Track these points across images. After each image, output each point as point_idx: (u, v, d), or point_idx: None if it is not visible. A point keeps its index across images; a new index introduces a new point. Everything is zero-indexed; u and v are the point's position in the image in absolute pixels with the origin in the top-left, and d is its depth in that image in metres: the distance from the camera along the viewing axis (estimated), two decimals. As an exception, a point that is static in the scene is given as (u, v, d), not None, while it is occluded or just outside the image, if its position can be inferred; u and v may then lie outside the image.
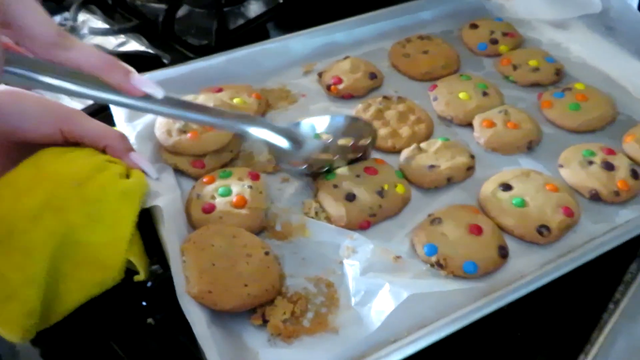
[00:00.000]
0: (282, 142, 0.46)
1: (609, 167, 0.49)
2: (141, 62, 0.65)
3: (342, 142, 0.49)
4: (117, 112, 0.52)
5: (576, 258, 0.42)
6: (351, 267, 0.42)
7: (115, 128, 0.48)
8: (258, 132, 0.44)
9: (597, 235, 0.45)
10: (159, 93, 0.39)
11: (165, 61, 0.67)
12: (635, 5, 0.59)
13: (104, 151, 0.44)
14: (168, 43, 0.70)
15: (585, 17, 0.63)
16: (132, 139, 0.48)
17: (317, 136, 0.50)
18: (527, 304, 0.43)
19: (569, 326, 0.42)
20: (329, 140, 0.49)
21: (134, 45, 0.70)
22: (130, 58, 0.67)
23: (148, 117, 0.52)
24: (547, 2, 0.66)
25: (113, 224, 0.39)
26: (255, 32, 0.73)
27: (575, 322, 0.42)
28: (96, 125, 0.44)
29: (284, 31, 0.65)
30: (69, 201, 0.38)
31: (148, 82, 0.38)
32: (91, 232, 0.38)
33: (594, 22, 0.62)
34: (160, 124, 0.50)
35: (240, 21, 0.75)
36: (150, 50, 0.69)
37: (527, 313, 0.43)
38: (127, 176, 0.42)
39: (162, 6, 0.73)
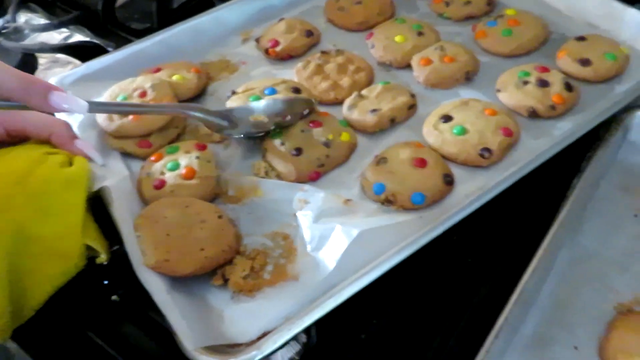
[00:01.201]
0: (219, 122, 0.48)
1: (543, 84, 0.50)
2: (86, 53, 0.65)
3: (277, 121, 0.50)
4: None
5: (516, 172, 0.43)
6: (305, 217, 0.43)
7: (58, 117, 0.48)
8: (195, 115, 0.46)
9: (540, 150, 0.46)
10: (80, 108, 0.40)
11: (110, 49, 0.66)
12: None
13: (49, 141, 0.44)
14: (111, 31, 0.70)
15: (509, -57, 0.63)
16: (75, 129, 0.49)
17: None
18: (476, 230, 0.45)
19: (517, 245, 0.44)
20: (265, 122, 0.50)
21: (78, 37, 0.70)
22: (76, 50, 0.67)
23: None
24: None
25: (62, 213, 0.40)
26: (200, 5, 0.71)
27: (524, 241, 0.43)
28: (38, 116, 0.44)
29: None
30: (12, 199, 0.38)
31: (68, 98, 0.39)
32: (42, 225, 0.39)
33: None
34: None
35: (183, -2, 0.75)
36: (94, 40, 0.69)
37: (476, 239, 0.45)
38: (71, 164, 0.43)
39: (102, -6, 0.72)
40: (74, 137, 0.46)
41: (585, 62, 0.52)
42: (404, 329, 0.42)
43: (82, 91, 0.54)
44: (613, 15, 0.57)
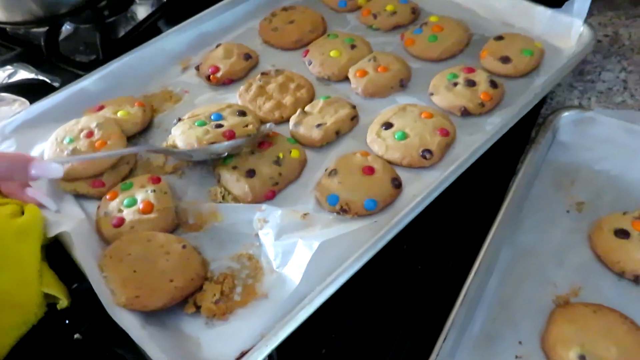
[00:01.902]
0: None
1: (471, 83, 0.54)
2: (31, 90, 0.64)
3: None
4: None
5: (457, 168, 0.46)
6: (266, 236, 0.45)
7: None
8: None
9: (475, 145, 0.50)
10: (57, 172, 0.43)
11: (55, 84, 0.66)
12: None
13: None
14: (56, 65, 0.69)
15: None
16: (24, 177, 0.48)
17: None
18: (424, 236, 0.48)
19: (462, 248, 0.46)
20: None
21: (23, 74, 0.69)
22: (20, 88, 0.66)
23: (34, 152, 0.52)
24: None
25: (17, 264, 0.40)
26: (146, 33, 0.72)
27: (468, 243, 0.46)
28: None
29: (175, 25, 0.65)
30: None
31: (44, 166, 0.42)
32: None
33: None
34: (49, 156, 0.50)
35: (130, 27, 0.75)
36: (39, 77, 0.68)
37: (424, 246, 0.48)
38: (22, 213, 0.43)
39: (44, 29, 0.71)
40: (25, 185, 0.45)
41: (505, 60, 0.57)
42: (362, 340, 0.44)
43: (25, 137, 0.54)
44: (524, 13, 0.62)
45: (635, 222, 0.45)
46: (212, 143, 0.49)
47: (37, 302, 0.39)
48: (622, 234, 0.44)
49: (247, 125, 0.51)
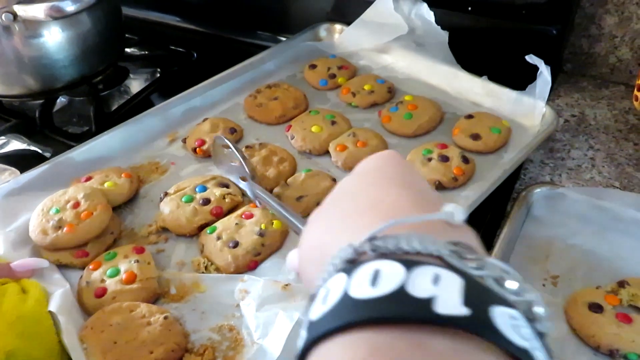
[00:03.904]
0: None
1: (444, 159, 0.58)
2: (22, 161, 0.66)
3: None
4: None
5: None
6: (248, 307, 0.46)
7: None
8: None
9: (449, 218, 0.52)
10: (42, 263, 0.47)
11: (47, 155, 0.68)
12: (433, 20, 0.71)
13: None
14: (49, 136, 0.71)
15: (399, 39, 0.73)
16: (6, 248, 0.49)
17: None
18: None
19: None
20: None
21: (15, 145, 0.71)
22: (11, 158, 0.67)
23: (19, 222, 0.52)
24: (366, 33, 0.76)
25: (42, 334, 0.41)
26: (139, 107, 0.75)
27: None
28: None
29: (167, 99, 0.69)
30: None
31: (27, 262, 0.47)
32: (30, 348, 0.40)
33: (406, 42, 0.73)
34: (34, 225, 0.51)
35: (123, 100, 0.78)
36: (31, 147, 0.70)
37: None
38: (23, 290, 0.43)
39: (39, 101, 0.74)
40: (7, 264, 0.46)
41: (476, 137, 0.61)
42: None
43: (11, 206, 0.54)
44: (492, 94, 0.67)
45: (608, 297, 0.46)
46: (203, 225, 0.53)
47: None
48: (596, 308, 0.45)
49: (224, 197, 0.54)
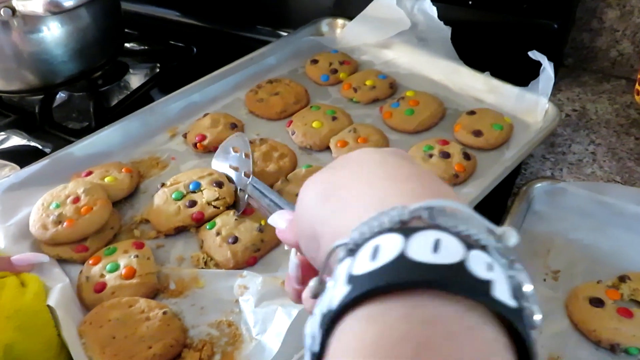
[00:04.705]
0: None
1: (445, 155, 0.57)
2: (22, 157, 0.65)
3: None
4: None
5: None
6: (246, 303, 0.46)
7: None
8: None
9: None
10: (42, 258, 0.47)
11: (47, 150, 0.68)
12: (436, 15, 0.70)
13: None
14: (48, 132, 0.71)
15: (401, 35, 0.72)
16: (6, 242, 0.49)
17: None
18: None
19: None
20: None
21: (15, 141, 0.71)
22: (11, 154, 0.67)
23: (19, 216, 0.52)
24: (368, 28, 0.75)
25: (40, 327, 0.41)
26: (138, 102, 0.75)
27: None
28: None
29: (167, 95, 0.68)
30: None
31: (27, 257, 0.47)
32: (27, 342, 0.40)
33: (409, 37, 0.72)
34: (34, 220, 0.51)
35: (123, 95, 0.78)
36: (31, 143, 0.70)
37: None
38: (22, 284, 0.43)
39: (39, 97, 0.74)
40: (7, 258, 0.46)
41: (477, 133, 0.60)
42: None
43: (11, 201, 0.54)
44: (494, 90, 0.66)
45: (609, 291, 0.46)
46: (180, 227, 0.53)
47: None
48: (597, 302, 0.45)
49: (216, 200, 0.54)
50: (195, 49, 0.88)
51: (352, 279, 0.19)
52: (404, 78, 0.71)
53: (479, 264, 0.18)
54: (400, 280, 0.18)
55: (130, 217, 0.55)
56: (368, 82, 0.70)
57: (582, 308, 0.46)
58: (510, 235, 0.21)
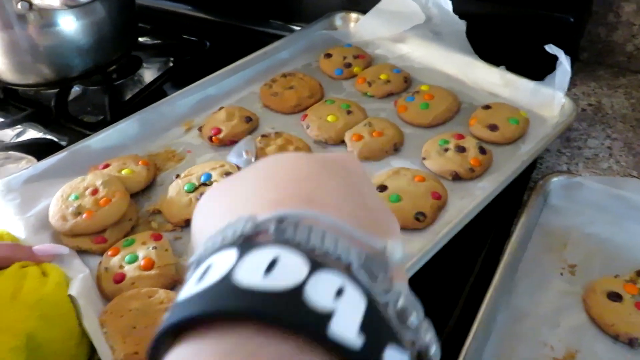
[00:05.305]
0: None
1: (461, 149, 0.57)
2: (39, 149, 0.66)
3: None
4: (7, 209, 0.53)
5: (450, 231, 0.48)
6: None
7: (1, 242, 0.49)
8: None
9: (466, 209, 0.52)
10: (62, 250, 0.47)
11: (63, 143, 0.68)
12: (451, 9, 0.70)
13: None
14: (64, 125, 0.72)
15: (415, 28, 0.72)
16: (27, 232, 0.50)
17: None
18: (421, 299, 0.49)
19: (459, 311, 0.48)
20: None
21: (31, 134, 0.72)
22: (28, 147, 0.68)
23: (39, 207, 0.53)
24: (382, 22, 0.75)
25: (63, 316, 0.42)
26: (152, 96, 0.75)
27: (465, 305, 0.47)
28: None
29: (180, 89, 0.68)
30: (17, 312, 0.39)
31: (48, 248, 0.47)
32: (49, 331, 0.40)
33: (423, 31, 0.72)
34: (54, 212, 0.52)
35: (137, 89, 0.78)
36: (47, 136, 0.70)
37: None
38: (43, 273, 0.44)
39: (54, 91, 0.74)
40: (29, 247, 0.46)
41: (493, 128, 0.60)
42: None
43: (30, 192, 0.55)
44: (510, 85, 0.66)
45: (626, 285, 0.46)
46: (189, 220, 0.52)
47: (86, 351, 0.41)
48: (615, 297, 0.45)
49: None
50: (208, 43, 0.88)
51: (174, 306, 0.16)
52: (418, 72, 0.71)
53: (323, 289, 0.16)
54: (215, 308, 0.15)
55: (147, 209, 0.56)
56: (382, 76, 0.69)
57: (600, 302, 0.46)
58: (394, 249, 0.19)
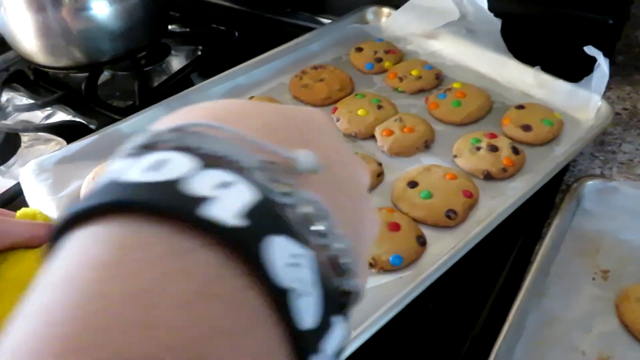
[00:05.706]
0: None
1: (494, 149, 0.57)
2: (68, 132, 0.67)
3: None
4: (39, 189, 0.53)
5: (482, 230, 0.48)
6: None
7: (25, 221, 0.48)
8: None
9: (498, 208, 0.52)
10: None
11: (92, 127, 0.69)
12: (486, 7, 0.69)
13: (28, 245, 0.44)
14: (93, 109, 0.72)
15: (449, 25, 0.71)
16: (59, 212, 0.50)
17: None
18: (450, 296, 0.48)
19: (489, 311, 0.47)
20: None
21: (60, 116, 0.72)
22: (57, 129, 0.69)
23: (70, 189, 0.53)
24: (415, 17, 0.75)
25: None
26: (179, 84, 0.76)
27: (495, 305, 0.47)
28: (19, 225, 0.44)
29: (206, 78, 0.68)
30: None
31: None
32: None
33: (457, 28, 0.71)
34: (86, 188, 0.52)
35: (164, 77, 0.79)
36: (76, 119, 0.71)
37: (451, 306, 0.48)
38: None
39: (85, 74, 0.75)
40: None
41: (526, 128, 0.59)
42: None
43: (62, 173, 0.55)
44: (544, 85, 0.65)
45: (661, 293, 0.45)
46: None
47: None
48: (649, 304, 0.45)
49: None
50: (236, 33, 0.88)
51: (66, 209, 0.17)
52: (450, 69, 0.70)
53: (205, 182, 0.16)
54: (97, 202, 0.16)
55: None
56: (414, 72, 0.69)
57: (634, 309, 0.45)
58: (304, 158, 0.18)
